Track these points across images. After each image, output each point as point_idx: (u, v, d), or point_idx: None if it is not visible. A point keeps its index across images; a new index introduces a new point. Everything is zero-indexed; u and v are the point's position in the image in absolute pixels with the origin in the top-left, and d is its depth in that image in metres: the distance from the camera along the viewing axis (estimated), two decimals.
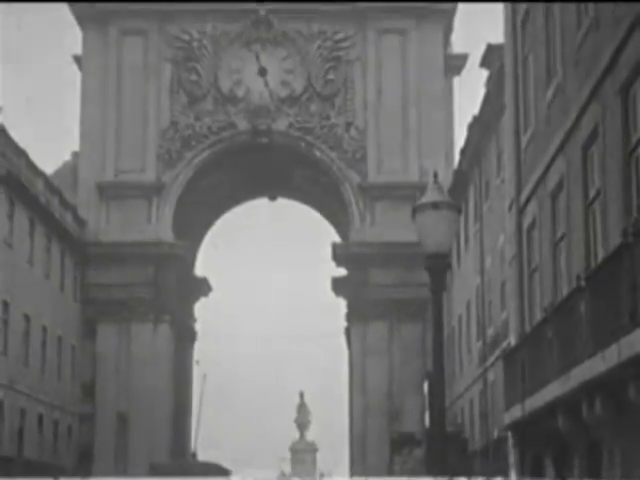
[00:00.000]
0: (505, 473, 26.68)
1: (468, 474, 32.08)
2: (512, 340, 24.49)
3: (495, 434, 30.97)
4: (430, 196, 11.81)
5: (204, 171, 55.13)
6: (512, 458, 24.05)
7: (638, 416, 13.75)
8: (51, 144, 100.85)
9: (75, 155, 56.14)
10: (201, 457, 58.76)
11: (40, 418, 45.29)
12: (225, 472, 52.95)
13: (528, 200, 22.79)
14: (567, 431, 17.14)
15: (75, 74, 56.49)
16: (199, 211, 59.22)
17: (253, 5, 54.30)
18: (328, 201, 59.05)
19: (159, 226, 53.59)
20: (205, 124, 54.43)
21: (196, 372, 63.51)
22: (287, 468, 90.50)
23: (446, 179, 42.57)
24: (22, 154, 43.73)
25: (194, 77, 54.48)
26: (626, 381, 13.37)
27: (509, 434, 24.00)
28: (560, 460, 19.14)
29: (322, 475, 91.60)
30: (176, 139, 54.24)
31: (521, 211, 23.54)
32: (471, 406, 38.05)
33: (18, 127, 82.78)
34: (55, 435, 47.53)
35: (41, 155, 65.42)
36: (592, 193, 17.41)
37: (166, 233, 53.76)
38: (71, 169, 55.42)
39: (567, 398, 16.34)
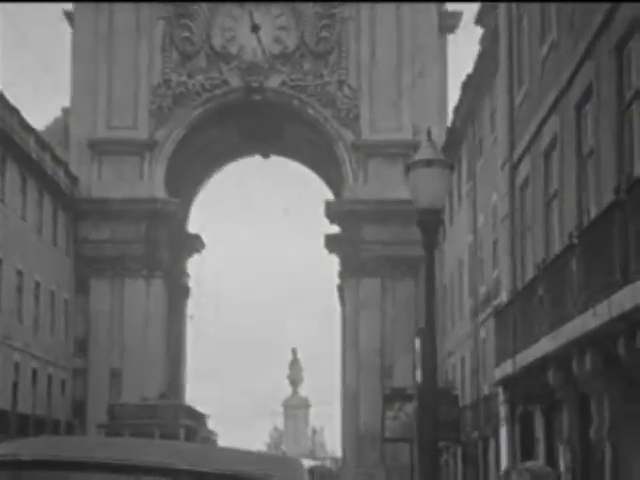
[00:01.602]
0: (495, 428, 27.04)
1: (458, 428, 32.48)
2: (504, 297, 24.72)
3: (486, 390, 31.32)
4: (423, 153, 11.92)
5: (197, 128, 55.07)
6: (502, 413, 24.37)
7: (627, 371, 13.97)
8: (41, 100, 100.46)
9: (66, 111, 55.98)
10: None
11: (34, 373, 45.60)
12: (197, 415, 50.33)
13: (521, 158, 22.91)
14: (557, 386, 17.39)
15: (66, 30, 56.21)
16: (192, 168, 59.22)
17: None
18: (321, 159, 59.09)
19: (151, 183, 53.62)
20: (198, 81, 54.29)
21: (189, 328, 63.89)
22: (280, 423, 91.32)
23: (439, 137, 42.60)
24: (13, 110, 43.62)
25: (186, 34, 54.24)
26: (616, 337, 13.57)
27: (500, 389, 24.31)
28: (550, 415, 19.43)
29: (314, 430, 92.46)
30: (168, 96, 54.12)
31: (514, 169, 23.66)
32: (462, 363, 38.43)
33: (8, 83, 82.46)
34: (49, 389, 47.87)
35: (32, 111, 65.25)
36: (585, 151, 17.53)
37: (158, 190, 53.81)
38: (62, 125, 55.28)
39: (557, 354, 16.57)
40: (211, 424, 59.70)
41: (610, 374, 14.77)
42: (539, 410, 20.27)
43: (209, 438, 49.43)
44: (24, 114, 44.81)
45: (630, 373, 13.86)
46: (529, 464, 5.40)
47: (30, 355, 44.92)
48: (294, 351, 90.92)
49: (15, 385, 43.14)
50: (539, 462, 5.78)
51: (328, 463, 66.45)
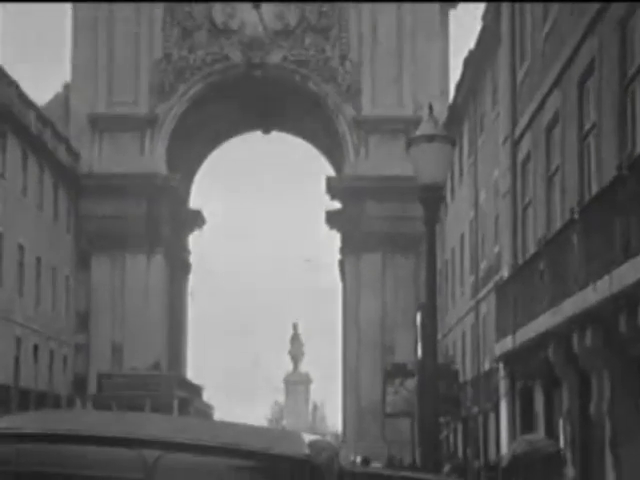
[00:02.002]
0: (495, 403, 27.14)
1: (458, 403, 32.61)
2: (504, 273, 24.75)
3: (486, 365, 31.41)
4: (425, 129, 11.90)
5: (198, 104, 54.95)
6: (502, 388, 24.45)
7: (627, 347, 14.01)
8: (42, 75, 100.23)
9: (67, 87, 55.84)
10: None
11: (35, 348, 45.71)
12: (192, 387, 48.49)
13: (523, 134, 22.87)
14: (557, 362, 17.44)
15: (67, 4, 55.95)
16: (193, 144, 59.14)
17: None
18: (322, 134, 59.00)
19: (152, 158, 53.58)
20: (199, 56, 54.15)
21: (190, 304, 64.01)
22: (281, 399, 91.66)
23: (441, 113, 42.48)
24: (13, 85, 43.51)
25: (187, 9, 54.03)
26: (617, 313, 13.60)
27: (500, 365, 24.38)
28: (550, 390, 19.48)
29: (315, 406, 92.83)
30: (169, 71, 54.00)
31: (516, 145, 23.64)
32: (463, 338, 38.51)
33: (9, 58, 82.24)
34: (50, 364, 48.01)
35: (32, 86, 65.08)
36: (587, 127, 17.50)
37: (160, 166, 53.78)
38: (63, 101, 55.15)
39: (558, 330, 16.61)
40: (213, 399, 59.92)
41: (610, 350, 14.81)
42: (539, 385, 20.33)
43: (204, 411, 47.19)
44: (25, 89, 44.73)
45: (630, 349, 13.90)
46: (529, 436, 5.41)
47: (31, 330, 45.02)
48: (295, 326, 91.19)
49: (16, 360, 43.27)
50: (539, 434, 5.79)
51: (329, 438, 66.71)
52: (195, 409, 43.30)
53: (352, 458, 38.77)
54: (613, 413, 14.90)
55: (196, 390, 49.89)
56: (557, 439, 18.21)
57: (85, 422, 4.83)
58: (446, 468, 30.69)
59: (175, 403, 39.78)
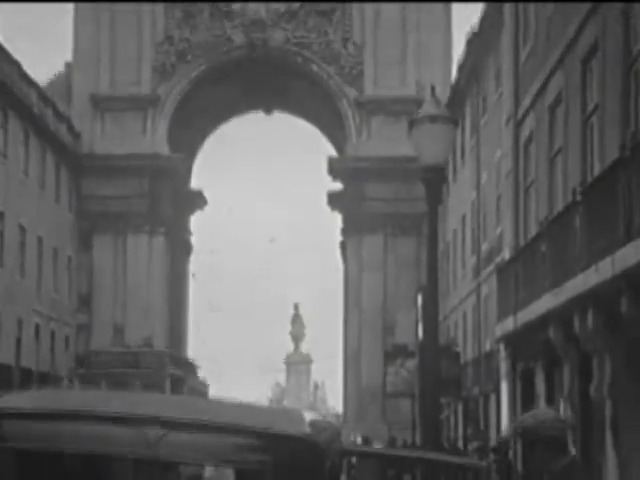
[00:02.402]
0: (496, 384, 27.19)
1: (459, 384, 32.67)
2: (506, 254, 24.74)
3: (487, 346, 31.45)
4: (427, 109, 11.85)
5: (200, 84, 54.86)
6: (503, 369, 24.49)
7: (629, 329, 14.01)
8: (44, 54, 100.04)
9: (69, 66, 55.71)
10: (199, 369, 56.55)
11: (37, 328, 45.79)
12: (185, 364, 46.18)
13: (526, 114, 22.82)
14: (558, 343, 17.45)
15: None
16: (195, 124, 59.06)
17: None
18: (325, 116, 58.90)
19: (154, 139, 53.53)
20: (201, 38, 54.02)
21: (191, 284, 64.06)
22: (282, 379, 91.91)
23: (443, 94, 42.39)
24: (15, 64, 43.41)
25: None
26: (619, 294, 13.59)
27: (501, 346, 24.41)
28: (551, 371, 19.51)
29: (316, 386, 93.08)
30: (171, 52, 53.90)
31: (518, 125, 23.58)
32: (464, 319, 38.55)
33: (11, 37, 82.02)
34: (52, 345, 48.10)
35: (34, 66, 64.90)
36: (590, 107, 17.44)
37: (161, 146, 53.74)
38: (65, 81, 55.05)
39: (559, 311, 16.61)
40: (213, 379, 59.95)
41: (611, 332, 14.81)
42: (540, 366, 20.35)
43: (199, 389, 45.03)
44: (26, 69, 44.64)
45: (632, 331, 13.89)
46: (538, 411, 5.39)
47: (33, 310, 45.08)
48: (296, 307, 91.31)
49: (18, 340, 43.34)
50: (549, 410, 5.69)
51: (330, 418, 66.91)
52: (189, 387, 41.79)
53: (353, 438, 38.88)
54: (614, 394, 14.92)
55: (191, 368, 48.23)
56: None
57: (88, 401, 4.84)
58: (473, 445, 30.68)
59: (167, 381, 38.44)
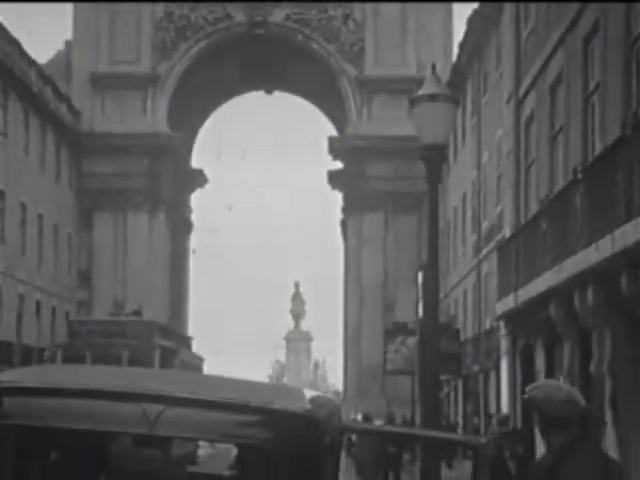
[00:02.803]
0: (496, 361, 27.26)
1: (459, 361, 32.74)
2: (507, 232, 24.75)
3: (487, 324, 31.51)
4: (428, 88, 11.82)
5: (200, 63, 54.70)
6: (503, 347, 24.54)
7: (628, 306, 14.04)
8: (43, 33, 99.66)
9: (68, 45, 55.55)
10: (198, 345, 55.75)
11: (38, 304, 45.88)
12: (177, 336, 43.50)
13: (527, 93, 22.78)
14: (558, 320, 17.50)
15: None
16: (195, 103, 58.92)
17: None
18: (325, 94, 58.75)
19: (154, 117, 53.44)
20: (201, 15, 53.81)
21: (192, 262, 64.11)
22: (282, 357, 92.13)
23: (444, 73, 42.26)
24: (14, 43, 43.28)
25: None
26: (619, 272, 13.62)
27: (501, 324, 24.46)
28: (551, 348, 19.56)
29: (316, 364, 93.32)
30: (171, 30, 53.71)
31: (519, 104, 23.54)
32: (464, 297, 38.59)
33: (10, 16, 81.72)
34: (52, 321, 48.18)
35: (34, 44, 64.68)
36: (592, 86, 17.42)
37: (161, 125, 53.65)
38: (65, 59, 54.88)
39: (560, 288, 16.65)
40: (213, 356, 59.95)
41: (611, 309, 14.85)
42: (540, 344, 20.41)
43: (192, 363, 42.00)
44: (26, 47, 44.51)
45: (631, 308, 13.93)
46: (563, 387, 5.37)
47: (34, 287, 45.15)
48: (296, 285, 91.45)
49: (19, 317, 43.44)
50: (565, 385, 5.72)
51: (330, 395, 66.99)
52: (181, 361, 39.19)
53: (353, 416, 38.97)
54: (613, 371, 14.97)
55: (183, 340, 45.87)
56: None
57: (87, 376, 4.85)
58: (474, 422, 30.67)
59: (156, 353, 36.11)
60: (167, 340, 38.39)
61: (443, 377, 35.84)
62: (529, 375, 21.00)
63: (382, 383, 49.46)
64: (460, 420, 37.94)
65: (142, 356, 34.12)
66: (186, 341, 46.97)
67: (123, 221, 52.86)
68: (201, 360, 45.88)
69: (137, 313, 41.25)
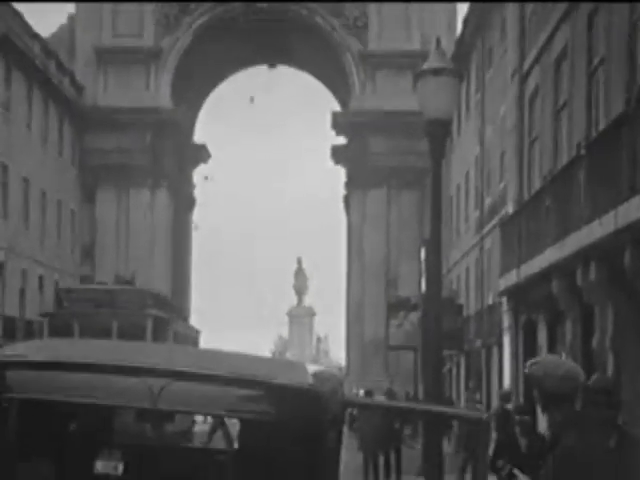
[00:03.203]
0: (499, 337, 27.30)
1: (461, 337, 32.80)
2: (510, 208, 24.73)
3: (490, 300, 31.54)
4: (432, 62, 11.78)
5: (203, 37, 54.49)
6: (506, 322, 24.58)
7: (631, 282, 14.05)
8: (47, 7, 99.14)
9: (72, 19, 55.34)
10: (199, 320, 55.18)
11: (41, 279, 45.94)
12: (171, 307, 41.24)
13: (531, 69, 22.70)
14: (561, 296, 17.51)
15: None
16: (198, 78, 58.77)
17: None
18: (328, 69, 58.56)
19: (157, 92, 53.31)
20: None
21: (195, 237, 64.15)
22: (285, 332, 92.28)
23: (448, 48, 42.07)
24: (18, 17, 43.13)
25: None
26: (622, 247, 13.61)
27: (504, 299, 24.48)
28: (553, 324, 19.59)
29: (319, 339, 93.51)
30: (174, 4, 53.46)
31: (523, 80, 23.46)
32: (467, 273, 38.61)
33: None
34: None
35: (37, 18, 64.47)
36: (596, 61, 17.35)
37: (164, 99, 53.52)
38: (68, 33, 54.70)
39: (562, 264, 16.65)
40: (214, 331, 59.93)
41: (614, 285, 14.86)
42: (542, 319, 20.44)
43: (187, 335, 40.03)
44: (29, 21, 44.34)
45: (634, 284, 13.94)
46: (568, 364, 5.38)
47: (37, 262, 45.20)
48: (299, 261, 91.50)
49: (22, 292, 43.52)
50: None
51: (332, 370, 67.14)
52: (175, 332, 37.33)
53: (355, 391, 39.08)
54: (616, 347, 14.99)
55: (178, 311, 43.97)
56: None
57: (91, 350, 4.85)
58: (476, 397, 30.55)
59: (149, 323, 34.30)
60: (160, 310, 36.65)
61: (445, 353, 35.90)
62: (531, 351, 21.04)
63: (385, 358, 49.58)
64: (462, 396, 38.07)
65: (132, 326, 32.67)
66: (181, 312, 45.19)
67: (126, 196, 52.85)
68: (197, 332, 44.38)
69: (129, 282, 39.35)
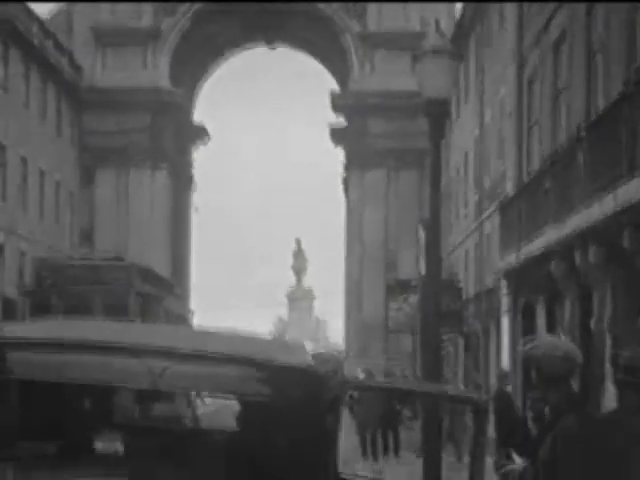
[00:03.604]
0: (497, 319, 27.34)
1: (460, 319, 32.86)
2: (509, 191, 24.73)
3: (489, 282, 31.56)
4: (431, 43, 11.77)
5: (201, 17, 54.30)
6: (505, 304, 24.61)
7: (630, 262, 14.07)
8: None
9: None
10: (197, 300, 53.89)
11: None
12: (162, 284, 38.43)
13: (530, 51, 22.64)
14: (560, 277, 17.53)
15: None
16: (197, 58, 58.61)
17: None
18: (328, 50, 58.40)
19: (156, 73, 53.18)
20: None
21: (194, 219, 64.10)
22: (284, 314, 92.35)
23: (448, 30, 41.92)
24: None
25: None
26: (621, 229, 13.63)
27: (503, 281, 24.51)
28: (552, 305, 19.62)
29: (318, 321, 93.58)
30: None
31: (522, 62, 23.41)
32: (466, 256, 38.63)
33: None
34: None
35: None
36: (595, 44, 17.31)
37: (163, 80, 53.41)
38: (66, 13, 54.49)
39: (561, 245, 16.67)
40: (211, 312, 59.79)
41: (613, 266, 14.88)
42: (541, 301, 20.47)
43: (178, 313, 38.08)
44: (27, 2, 44.15)
45: (633, 265, 13.96)
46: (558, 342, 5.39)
47: (35, 243, 45.17)
48: (298, 242, 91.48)
49: (21, 273, 43.50)
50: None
51: (332, 352, 67.16)
52: (165, 310, 35.34)
53: (354, 373, 39.11)
54: (614, 328, 15.03)
55: (168, 287, 41.41)
56: None
57: (91, 331, 4.85)
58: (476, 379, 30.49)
59: (132, 299, 32.25)
60: (150, 286, 34.39)
61: (445, 336, 35.94)
62: (530, 332, 21.08)
63: (384, 340, 49.66)
64: (461, 377, 38.14)
65: (118, 303, 30.50)
66: (172, 289, 42.68)
67: (125, 178, 52.79)
68: (191, 312, 42.46)
69: (118, 258, 36.92)
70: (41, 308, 30.26)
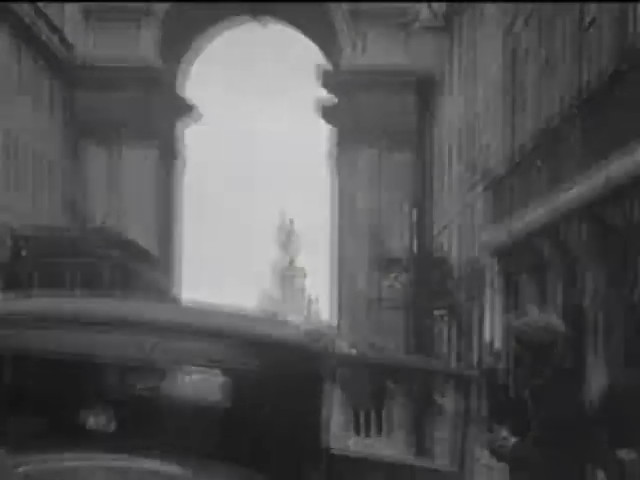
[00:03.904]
0: (489, 296, 27.42)
1: (452, 296, 32.95)
2: (500, 169, 24.75)
3: (479, 259, 31.63)
4: (423, 20, 11.79)
5: None
6: (495, 282, 24.68)
7: (617, 238, 14.12)
8: None
9: None
10: (190, 276, 53.48)
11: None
12: (143, 255, 37.60)
13: (522, 28, 22.61)
14: (548, 252, 17.60)
15: None
16: (187, 35, 58.36)
17: None
18: (318, 26, 58.14)
19: (147, 50, 52.99)
20: None
21: (185, 198, 64.02)
22: (270, 290, 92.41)
23: (440, 8, 41.86)
24: None
25: None
26: (613, 207, 13.67)
27: (493, 259, 24.57)
28: (540, 280, 19.68)
29: (310, 299, 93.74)
30: None
31: (515, 38, 23.39)
32: (458, 233, 38.64)
33: None
34: None
35: None
36: (588, 19, 17.30)
37: (155, 59, 53.24)
38: None
39: (550, 222, 16.72)
40: (204, 287, 59.59)
41: (601, 242, 14.93)
42: (529, 276, 20.54)
43: (157, 285, 36.88)
44: None
45: (621, 241, 14.01)
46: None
47: (21, 217, 45.01)
48: (291, 221, 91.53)
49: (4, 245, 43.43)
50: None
51: (324, 329, 67.37)
52: (146, 283, 34.23)
53: (346, 350, 39.17)
54: (604, 305, 15.10)
55: (151, 261, 40.07)
56: None
57: (80, 306, 4.86)
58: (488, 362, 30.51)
59: (113, 272, 31.17)
60: (131, 259, 33.44)
61: (436, 312, 36.07)
62: (520, 309, 21.18)
63: (376, 318, 49.73)
64: (453, 354, 38.29)
65: (96, 276, 29.39)
66: (153, 261, 41.33)
67: (116, 156, 52.69)
68: (175, 287, 40.44)
69: (99, 229, 35.57)
70: (15, 284, 28.58)
